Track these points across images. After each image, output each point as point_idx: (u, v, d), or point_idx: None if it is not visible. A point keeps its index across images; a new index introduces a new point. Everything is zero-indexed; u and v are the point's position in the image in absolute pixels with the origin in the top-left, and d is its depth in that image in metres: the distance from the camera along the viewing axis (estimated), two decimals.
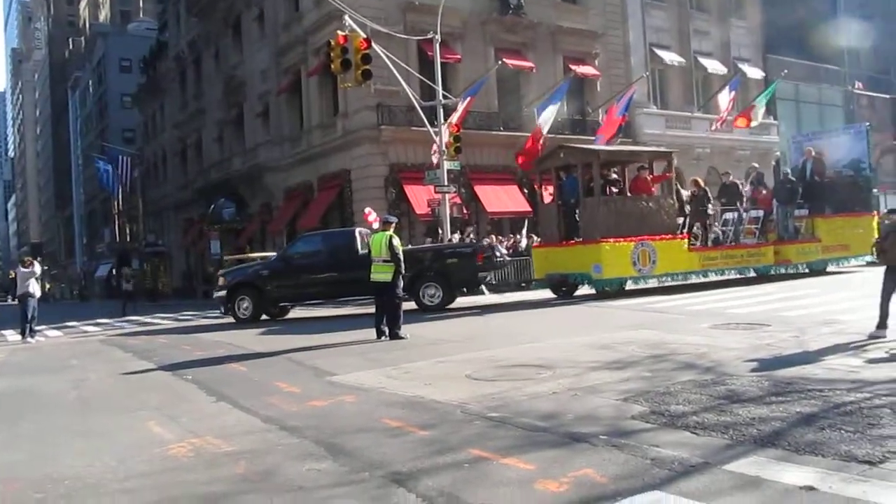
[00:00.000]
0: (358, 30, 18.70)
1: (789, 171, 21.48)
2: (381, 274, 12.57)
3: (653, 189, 19.12)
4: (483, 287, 21.46)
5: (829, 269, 21.01)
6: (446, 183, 22.33)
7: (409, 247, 20.40)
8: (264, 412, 7.25)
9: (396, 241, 12.67)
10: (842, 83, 46.45)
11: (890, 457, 4.81)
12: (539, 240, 21.27)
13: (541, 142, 22.37)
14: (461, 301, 19.62)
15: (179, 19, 49.70)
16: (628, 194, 18.93)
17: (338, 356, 10.92)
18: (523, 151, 22.68)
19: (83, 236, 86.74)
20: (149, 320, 24.20)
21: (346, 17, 18.88)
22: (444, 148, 21.91)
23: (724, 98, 26.95)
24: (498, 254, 23.48)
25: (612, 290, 17.57)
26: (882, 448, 4.97)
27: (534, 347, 10.40)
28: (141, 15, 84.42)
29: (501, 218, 29.94)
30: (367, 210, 23.18)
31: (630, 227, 17.75)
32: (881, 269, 10.13)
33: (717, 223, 21.07)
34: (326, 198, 31.17)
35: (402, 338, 12.22)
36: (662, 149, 21.68)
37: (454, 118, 22.22)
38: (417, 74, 24.29)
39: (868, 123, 25.02)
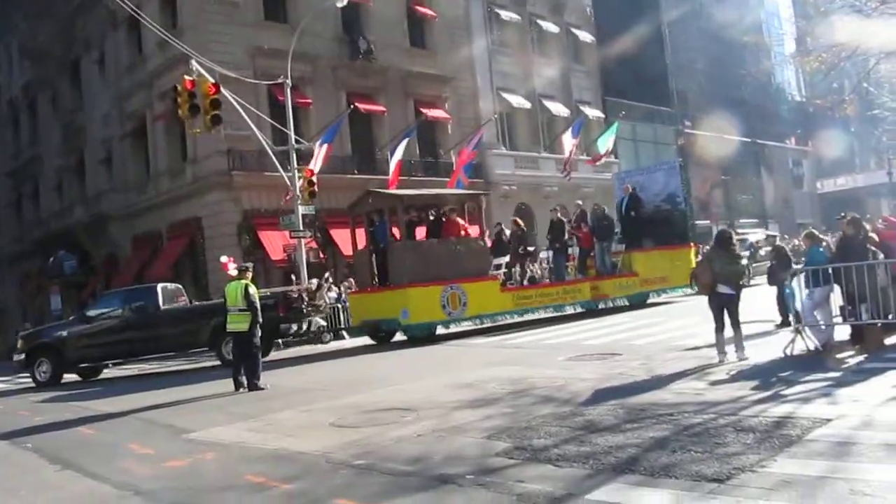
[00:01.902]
0: (206, 74, 18.30)
1: (605, 207, 21.91)
2: (237, 324, 12.19)
3: (465, 231, 18.81)
4: (328, 335, 21.07)
5: (652, 300, 21.57)
6: (301, 228, 22.08)
7: (212, 300, 19.69)
8: (117, 478, 6.83)
9: (252, 290, 12.36)
10: (673, 123, 49.78)
11: (736, 473, 5.12)
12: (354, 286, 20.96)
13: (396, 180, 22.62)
14: (318, 349, 19.35)
15: (12, 62, 46.92)
16: (437, 238, 18.63)
17: (194, 412, 10.47)
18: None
19: None
20: None
21: (193, 62, 18.45)
22: (298, 192, 21.69)
23: (569, 140, 28.21)
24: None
25: (422, 335, 17.24)
26: (728, 465, 5.29)
27: (396, 390, 10.38)
28: None
29: None
30: (223, 258, 22.50)
31: (439, 270, 17.51)
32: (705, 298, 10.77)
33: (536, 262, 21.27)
34: (177, 247, 30.02)
35: (261, 388, 11.88)
36: (473, 191, 21.26)
37: (315, 166, 22.00)
38: (269, 119, 23.98)
39: (680, 160, 25.59)
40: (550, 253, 20.86)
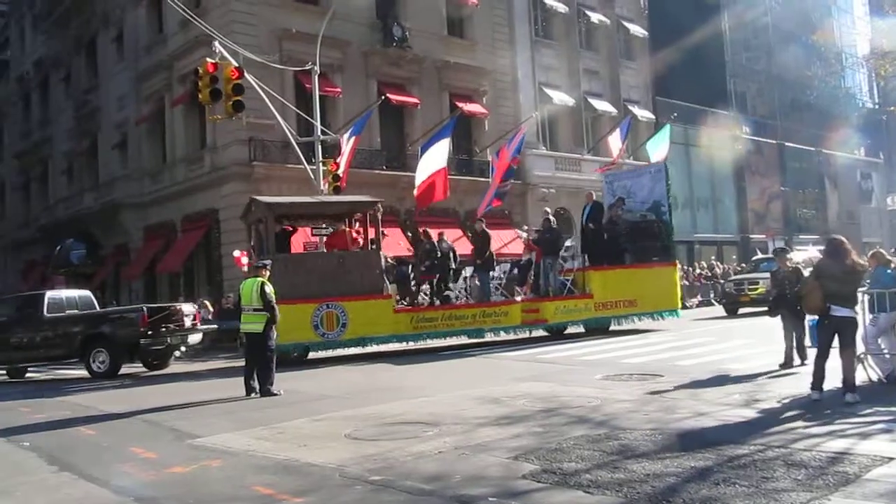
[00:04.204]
0: (229, 57, 18.51)
1: (551, 217, 20.47)
2: (251, 324, 12.27)
3: (354, 243, 18.11)
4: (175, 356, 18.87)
5: (628, 326, 20.29)
6: (324, 225, 22.17)
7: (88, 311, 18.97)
8: (116, 482, 6.92)
9: (269, 289, 12.41)
10: (730, 127, 49.22)
11: None
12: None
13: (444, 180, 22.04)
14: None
15: (24, 36, 47.77)
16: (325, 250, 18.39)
17: (202, 416, 10.57)
18: (422, 191, 21.92)
19: None
20: None
21: (216, 44, 18.65)
22: (322, 187, 21.82)
23: (615, 141, 28.01)
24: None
25: (288, 357, 16.10)
26: (776, 503, 5.21)
27: (418, 403, 10.39)
28: None
29: None
30: (237, 253, 22.67)
31: (313, 286, 16.70)
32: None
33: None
34: (191, 239, 30.34)
35: (274, 394, 11.95)
36: (364, 198, 19.47)
37: (341, 161, 22.00)
38: (294, 108, 24.17)
39: (666, 162, 24.00)
40: (468, 270, 19.89)
